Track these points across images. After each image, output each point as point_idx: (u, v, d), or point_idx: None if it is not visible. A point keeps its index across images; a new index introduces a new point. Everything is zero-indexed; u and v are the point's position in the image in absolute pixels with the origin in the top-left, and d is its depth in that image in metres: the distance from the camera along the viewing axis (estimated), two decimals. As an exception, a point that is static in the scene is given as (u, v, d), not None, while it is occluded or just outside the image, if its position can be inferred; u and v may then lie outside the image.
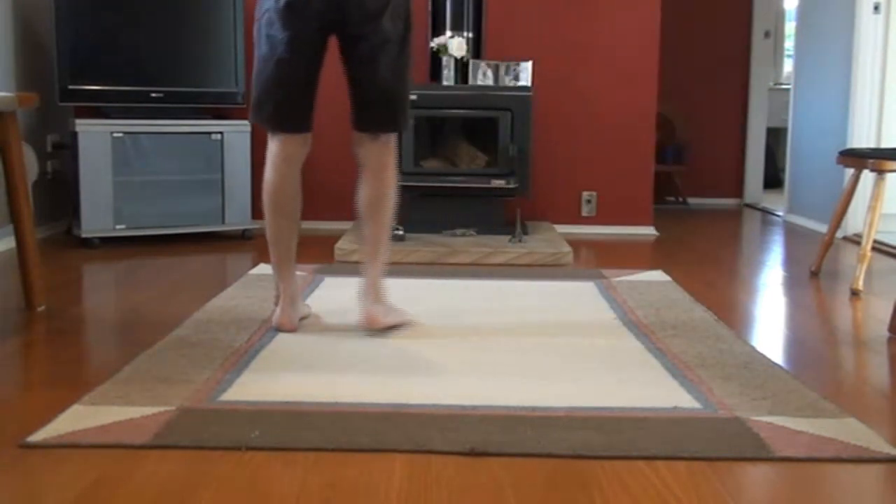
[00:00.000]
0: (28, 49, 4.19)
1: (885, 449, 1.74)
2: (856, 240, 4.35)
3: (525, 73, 4.44)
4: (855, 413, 1.94)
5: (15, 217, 2.82)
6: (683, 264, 3.90)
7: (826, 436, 1.80)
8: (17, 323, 2.70)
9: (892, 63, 4.71)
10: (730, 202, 6.63)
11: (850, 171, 3.76)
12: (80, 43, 4.11)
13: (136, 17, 4.23)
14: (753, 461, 1.69)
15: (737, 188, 6.67)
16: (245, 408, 1.91)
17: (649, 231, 4.88)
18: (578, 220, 4.87)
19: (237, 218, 4.37)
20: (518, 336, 2.58)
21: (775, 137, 7.25)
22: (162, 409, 1.89)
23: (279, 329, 2.57)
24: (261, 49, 2.45)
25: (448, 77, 4.39)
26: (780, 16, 7.55)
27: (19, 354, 2.42)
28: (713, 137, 6.58)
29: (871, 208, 3.41)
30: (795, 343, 2.68)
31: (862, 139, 4.70)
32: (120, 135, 4.09)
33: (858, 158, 3.50)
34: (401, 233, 4.02)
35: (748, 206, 6.52)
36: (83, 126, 4.04)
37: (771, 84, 6.95)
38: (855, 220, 4.56)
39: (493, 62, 4.44)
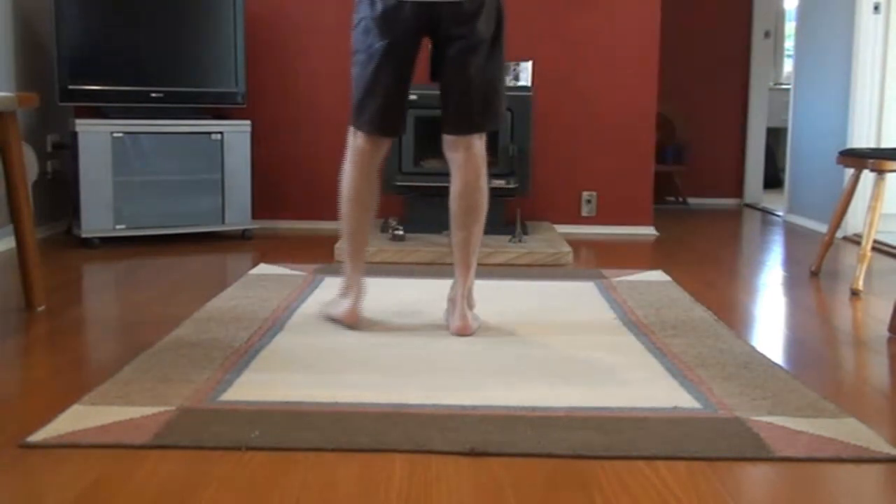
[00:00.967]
0: (28, 49, 4.19)
1: (885, 449, 1.74)
2: (856, 240, 4.34)
3: (525, 73, 4.44)
4: (855, 413, 1.94)
5: (15, 217, 2.82)
6: (683, 264, 3.90)
7: (826, 436, 1.80)
8: (17, 323, 2.70)
9: (892, 63, 4.71)
10: (730, 202, 6.63)
11: (850, 171, 3.76)
12: (80, 43, 4.11)
13: (136, 17, 4.23)
14: (753, 461, 1.69)
15: (737, 188, 6.67)
16: (245, 408, 1.91)
17: (649, 231, 4.88)
18: (578, 220, 4.87)
19: (237, 218, 4.37)
20: (518, 336, 2.58)
21: (775, 137, 7.25)
22: (162, 409, 1.89)
23: (341, 322, 2.60)
24: (359, 56, 2.47)
25: (448, 77, 4.38)
26: (780, 16, 7.55)
27: (19, 354, 2.42)
28: (713, 137, 6.58)
29: (871, 208, 3.41)
30: (795, 343, 2.68)
31: (862, 139, 4.70)
32: (120, 135, 4.09)
33: (858, 158, 3.50)
34: (401, 233, 4.03)
35: (748, 206, 6.52)
36: (83, 126, 4.04)
37: (771, 84, 6.95)
38: (855, 220, 4.56)
39: (493, 62, 4.44)
